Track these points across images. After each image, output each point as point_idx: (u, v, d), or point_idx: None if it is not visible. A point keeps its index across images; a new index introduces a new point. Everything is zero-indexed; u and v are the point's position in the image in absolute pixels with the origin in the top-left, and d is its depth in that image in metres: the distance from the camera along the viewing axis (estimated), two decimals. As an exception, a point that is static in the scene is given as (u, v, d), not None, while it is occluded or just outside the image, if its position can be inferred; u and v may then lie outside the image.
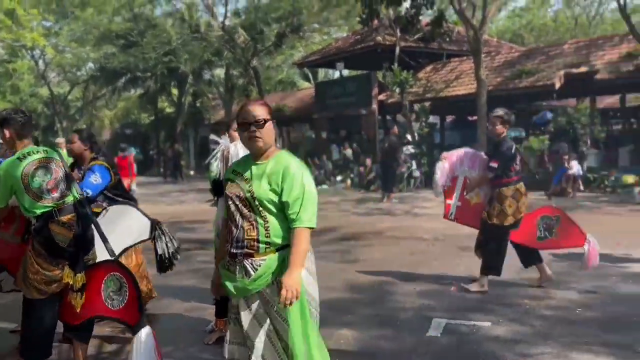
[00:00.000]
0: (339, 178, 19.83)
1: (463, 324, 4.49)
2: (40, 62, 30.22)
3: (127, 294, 3.38)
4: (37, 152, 3.52)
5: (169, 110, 33.18)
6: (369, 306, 5.08)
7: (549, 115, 19.17)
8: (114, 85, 29.14)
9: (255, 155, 2.63)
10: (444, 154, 5.74)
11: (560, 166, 14.42)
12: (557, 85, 15.95)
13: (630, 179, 13.94)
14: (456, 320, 4.58)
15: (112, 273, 3.44)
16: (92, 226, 3.59)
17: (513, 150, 5.27)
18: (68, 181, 3.54)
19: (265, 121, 2.58)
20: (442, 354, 3.93)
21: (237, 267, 2.58)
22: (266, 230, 2.54)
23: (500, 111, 5.41)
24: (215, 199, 4.23)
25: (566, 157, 14.35)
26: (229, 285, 2.63)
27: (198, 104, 32.41)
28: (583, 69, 16.11)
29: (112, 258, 3.60)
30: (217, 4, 26.52)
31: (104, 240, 3.58)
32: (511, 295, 5.25)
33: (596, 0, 31.30)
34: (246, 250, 2.56)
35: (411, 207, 12.83)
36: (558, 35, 31.70)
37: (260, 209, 2.54)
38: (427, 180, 17.40)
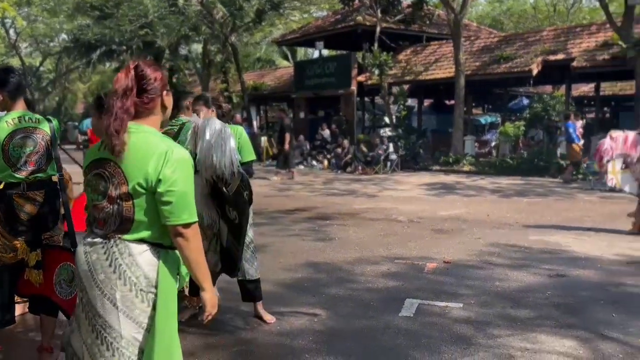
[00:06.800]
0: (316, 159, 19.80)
1: (435, 305, 4.53)
2: (11, 31, 29.35)
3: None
4: (29, 119, 3.32)
5: (144, 85, 32.50)
6: (341, 286, 5.10)
7: (525, 101, 19.34)
8: (88, 57, 28.42)
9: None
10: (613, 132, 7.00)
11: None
12: (535, 72, 16.07)
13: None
14: (429, 301, 4.63)
15: (67, 262, 3.38)
16: (62, 208, 3.46)
17: None
18: (48, 157, 3.36)
19: None
20: (414, 334, 3.96)
21: None
22: None
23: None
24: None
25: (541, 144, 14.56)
26: None
27: (174, 80, 31.85)
28: (560, 56, 16.26)
29: (72, 249, 3.49)
30: (196, -23, 25.76)
31: (71, 230, 3.47)
32: (483, 278, 5.31)
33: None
34: None
35: (387, 189, 12.89)
36: (537, 22, 31.88)
37: None
38: (404, 163, 17.49)
